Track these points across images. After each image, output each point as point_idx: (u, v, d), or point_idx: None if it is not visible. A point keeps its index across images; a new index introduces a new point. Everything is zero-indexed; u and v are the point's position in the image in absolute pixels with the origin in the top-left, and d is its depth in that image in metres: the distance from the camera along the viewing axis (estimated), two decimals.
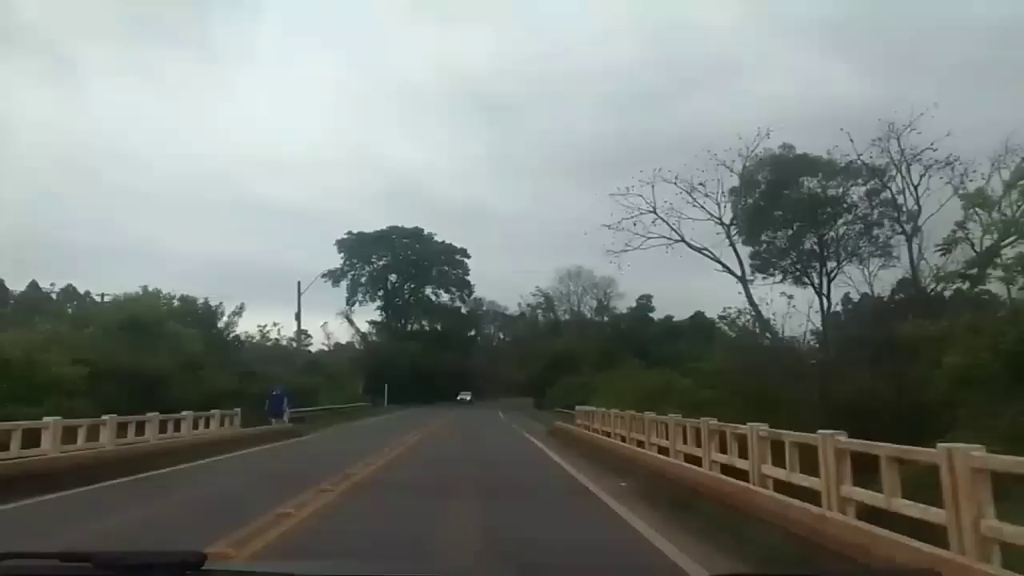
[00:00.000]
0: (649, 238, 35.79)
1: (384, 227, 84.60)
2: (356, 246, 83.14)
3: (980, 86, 58.58)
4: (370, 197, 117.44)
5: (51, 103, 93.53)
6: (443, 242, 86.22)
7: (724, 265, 35.29)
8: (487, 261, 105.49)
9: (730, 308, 25.16)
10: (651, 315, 63.89)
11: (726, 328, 25.22)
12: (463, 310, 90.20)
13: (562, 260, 76.68)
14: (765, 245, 34.40)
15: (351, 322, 76.63)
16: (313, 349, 66.18)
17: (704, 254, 35.70)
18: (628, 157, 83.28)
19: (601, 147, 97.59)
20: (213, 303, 31.63)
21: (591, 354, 59.95)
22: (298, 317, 39.65)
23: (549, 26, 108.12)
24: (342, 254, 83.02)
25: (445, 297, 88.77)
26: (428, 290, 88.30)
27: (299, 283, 40.10)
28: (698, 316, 58.57)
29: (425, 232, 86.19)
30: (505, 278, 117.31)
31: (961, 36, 62.04)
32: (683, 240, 35.75)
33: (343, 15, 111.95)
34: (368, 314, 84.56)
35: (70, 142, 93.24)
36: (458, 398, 71.18)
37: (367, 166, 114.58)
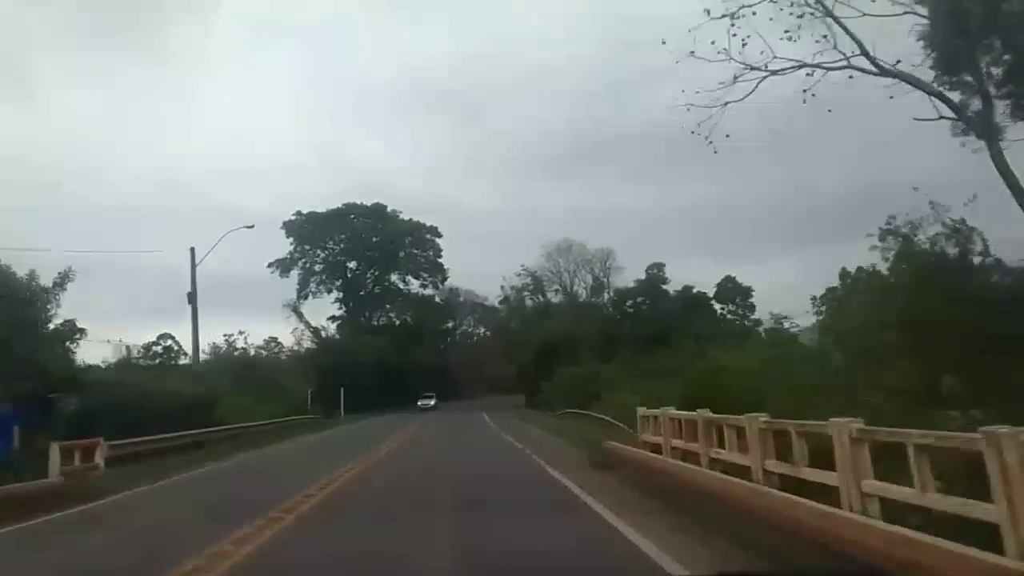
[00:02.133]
0: (780, 69, 16.99)
1: (340, 205, 72.30)
2: (307, 229, 70.66)
3: None
4: (337, 199, 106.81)
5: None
6: (410, 220, 73.81)
7: (946, 100, 16.18)
8: (463, 258, 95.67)
9: (894, 218, 13.82)
10: (664, 287, 51.87)
11: (890, 251, 13.87)
12: (437, 299, 78.00)
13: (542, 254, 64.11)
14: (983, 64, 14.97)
15: (300, 316, 64.31)
16: (283, 356, 59.29)
17: (905, 80, 16.35)
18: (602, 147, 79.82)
19: (576, 139, 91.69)
20: (22, 273, 19.50)
21: (592, 338, 49.15)
22: (192, 299, 27.25)
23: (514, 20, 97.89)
24: (291, 239, 70.59)
25: (415, 284, 76.65)
26: (395, 276, 76.05)
27: (192, 250, 27.80)
28: (728, 282, 47.30)
29: (389, 210, 73.66)
30: (483, 275, 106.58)
31: None
32: (864, 53, 16.35)
33: (303, 16, 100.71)
34: (327, 308, 72.31)
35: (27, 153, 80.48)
36: (419, 404, 56.65)
37: (332, 168, 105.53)
